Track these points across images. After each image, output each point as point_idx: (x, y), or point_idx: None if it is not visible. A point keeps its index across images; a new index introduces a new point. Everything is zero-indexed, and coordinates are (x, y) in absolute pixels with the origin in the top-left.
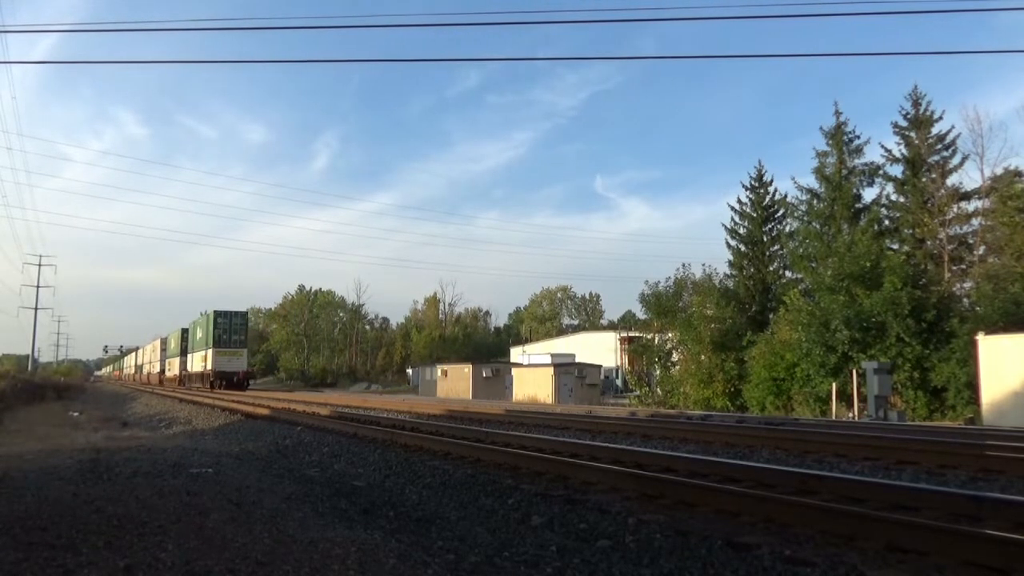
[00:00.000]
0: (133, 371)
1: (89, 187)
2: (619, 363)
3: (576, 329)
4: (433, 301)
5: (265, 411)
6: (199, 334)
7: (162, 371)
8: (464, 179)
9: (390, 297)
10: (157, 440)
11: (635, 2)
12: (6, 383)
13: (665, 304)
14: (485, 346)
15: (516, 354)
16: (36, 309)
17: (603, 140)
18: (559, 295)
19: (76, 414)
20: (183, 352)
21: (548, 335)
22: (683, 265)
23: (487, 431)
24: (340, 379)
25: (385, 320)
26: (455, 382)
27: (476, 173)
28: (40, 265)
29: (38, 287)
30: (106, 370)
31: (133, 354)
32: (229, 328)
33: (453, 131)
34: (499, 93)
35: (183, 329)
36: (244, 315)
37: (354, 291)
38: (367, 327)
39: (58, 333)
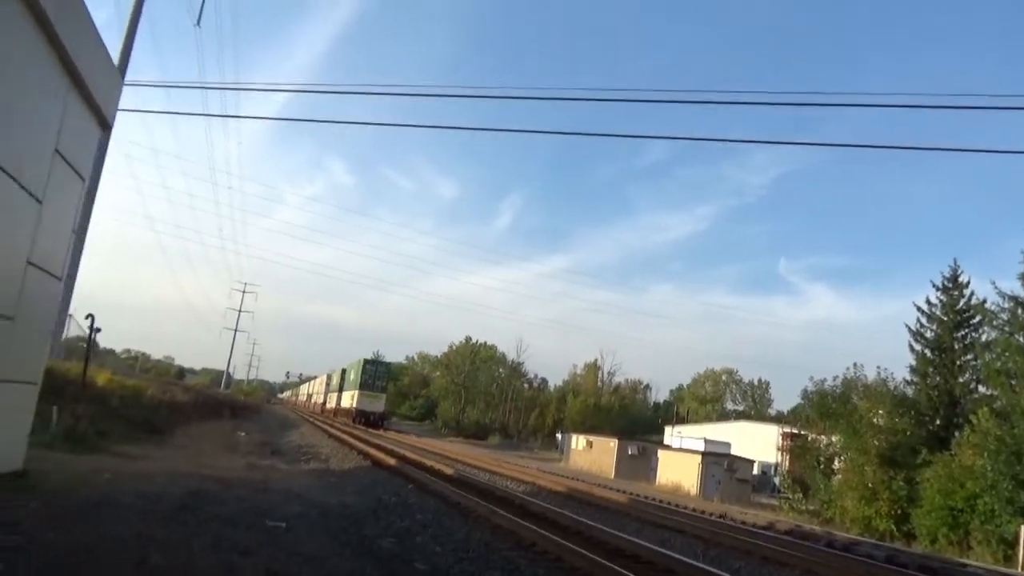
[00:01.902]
0: (304, 399)
1: (296, 229)
2: (779, 460)
3: (740, 416)
4: (593, 368)
5: (393, 461)
6: (352, 376)
7: (324, 403)
8: (641, 249)
9: (550, 358)
10: (286, 475)
11: (828, 85)
12: (190, 397)
13: (829, 405)
14: (642, 420)
15: (670, 434)
16: (236, 331)
17: (790, 221)
18: (724, 377)
19: (243, 435)
20: (340, 389)
21: (708, 418)
22: (854, 364)
23: (589, 524)
24: (491, 434)
25: (544, 380)
26: (599, 455)
27: (655, 244)
28: (244, 292)
29: (240, 311)
30: (286, 394)
31: (307, 384)
32: (374, 375)
33: (637, 200)
34: (686, 166)
35: (343, 369)
36: (387, 365)
37: (515, 349)
38: (525, 385)
39: (251, 355)
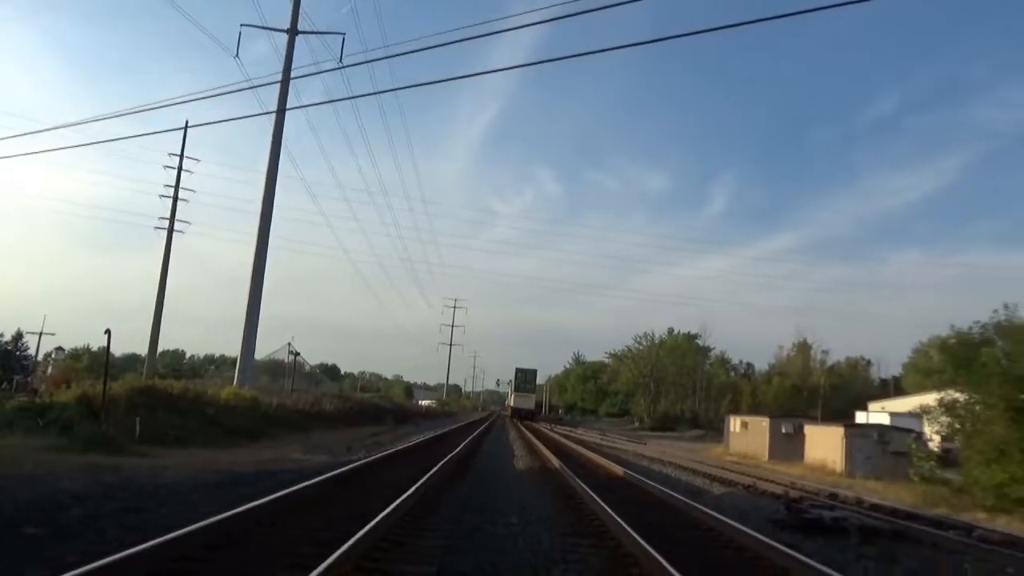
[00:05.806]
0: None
1: (507, 245)
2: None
3: None
4: (802, 347)
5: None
6: (512, 382)
7: (509, 405)
8: (876, 214)
9: (766, 345)
10: (266, 464)
11: None
12: (337, 407)
13: (963, 354)
14: (861, 400)
15: (875, 410)
16: (451, 345)
17: None
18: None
19: (373, 438)
20: (511, 393)
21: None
22: (1004, 305)
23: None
24: (679, 424)
25: (749, 366)
26: (753, 437)
27: (890, 208)
28: (455, 307)
29: (452, 326)
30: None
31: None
32: (523, 379)
33: (862, 162)
34: (920, 115)
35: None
36: (534, 371)
37: (703, 333)
38: (730, 373)
39: (473, 367)
